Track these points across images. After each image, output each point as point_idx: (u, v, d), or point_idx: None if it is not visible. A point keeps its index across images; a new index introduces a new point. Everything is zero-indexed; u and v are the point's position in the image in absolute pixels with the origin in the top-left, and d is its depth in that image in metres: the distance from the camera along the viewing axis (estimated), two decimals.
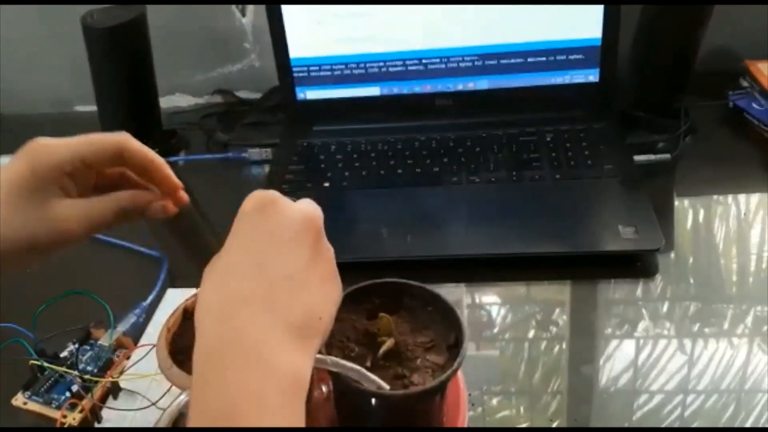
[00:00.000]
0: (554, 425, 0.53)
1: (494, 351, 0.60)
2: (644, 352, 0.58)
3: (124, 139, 0.43)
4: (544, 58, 0.83)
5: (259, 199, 0.38)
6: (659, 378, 0.55)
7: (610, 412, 0.54)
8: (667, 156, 0.79)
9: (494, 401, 0.55)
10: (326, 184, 0.79)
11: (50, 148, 0.42)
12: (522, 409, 0.55)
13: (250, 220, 0.38)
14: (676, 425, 0.52)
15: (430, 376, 0.45)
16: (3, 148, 0.90)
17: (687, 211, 0.75)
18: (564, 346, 0.60)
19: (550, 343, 0.60)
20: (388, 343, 0.46)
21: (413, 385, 0.44)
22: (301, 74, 0.87)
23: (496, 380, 0.57)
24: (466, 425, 0.51)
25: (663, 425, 0.52)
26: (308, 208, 0.39)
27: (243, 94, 1.02)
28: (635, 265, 0.66)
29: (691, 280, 0.66)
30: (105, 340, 0.60)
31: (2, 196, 0.40)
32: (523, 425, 0.53)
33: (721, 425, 0.52)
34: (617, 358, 0.58)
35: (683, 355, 0.57)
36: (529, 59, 0.83)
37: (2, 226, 0.39)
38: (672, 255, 0.67)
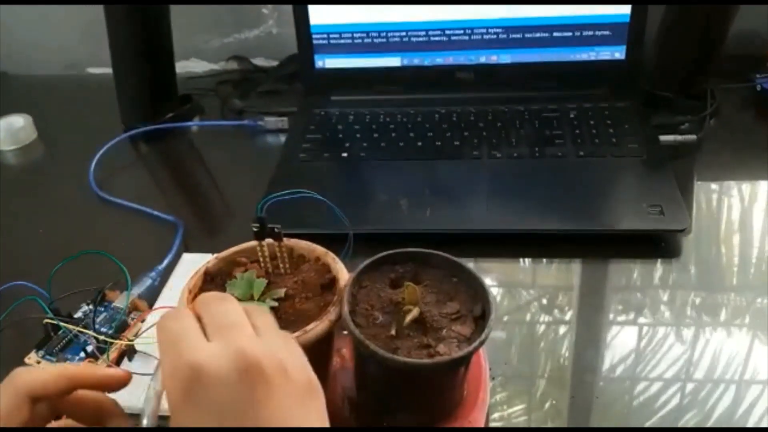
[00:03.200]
0: (546, 406, 0.52)
1: (501, 332, 0.59)
2: (670, 336, 0.57)
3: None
4: (570, 33, 0.81)
5: (179, 375, 0.31)
6: (675, 365, 0.55)
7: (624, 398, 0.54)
8: (693, 137, 0.77)
9: (492, 383, 0.54)
10: (344, 155, 0.77)
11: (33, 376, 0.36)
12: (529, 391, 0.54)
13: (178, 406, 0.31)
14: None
15: (456, 346, 0.44)
16: (11, 109, 0.89)
17: (710, 193, 0.73)
18: (575, 328, 0.59)
19: (556, 326, 0.59)
20: (414, 312, 0.45)
21: (439, 355, 0.43)
22: (320, 42, 0.85)
23: (500, 360, 0.55)
24: (487, 400, 0.50)
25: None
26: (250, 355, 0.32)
27: (259, 61, 1.00)
28: (658, 246, 0.65)
29: (710, 266, 0.64)
30: (120, 302, 0.59)
31: None
32: (520, 407, 0.52)
33: None
34: (637, 340, 0.57)
35: (709, 342, 0.56)
36: (555, 34, 0.82)
37: None
38: (693, 237, 0.66)
